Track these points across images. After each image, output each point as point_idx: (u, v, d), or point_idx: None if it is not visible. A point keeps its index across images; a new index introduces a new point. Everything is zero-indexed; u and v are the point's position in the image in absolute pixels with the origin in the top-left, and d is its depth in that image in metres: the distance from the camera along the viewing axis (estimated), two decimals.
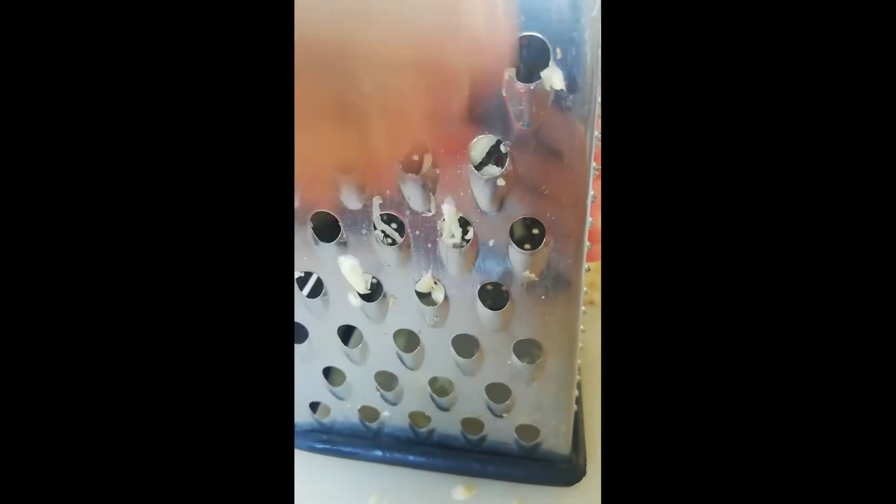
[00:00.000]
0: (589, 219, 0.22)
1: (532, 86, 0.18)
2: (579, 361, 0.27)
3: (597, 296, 0.42)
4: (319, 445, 0.33)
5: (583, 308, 0.25)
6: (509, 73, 0.18)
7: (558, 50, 0.17)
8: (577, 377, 0.28)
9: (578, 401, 0.32)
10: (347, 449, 0.33)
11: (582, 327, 0.26)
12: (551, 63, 0.18)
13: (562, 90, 0.18)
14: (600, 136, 0.19)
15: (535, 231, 0.30)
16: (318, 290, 0.27)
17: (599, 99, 0.19)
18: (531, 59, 0.19)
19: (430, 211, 0.22)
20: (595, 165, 0.21)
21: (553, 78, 0.18)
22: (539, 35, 0.17)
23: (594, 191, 0.22)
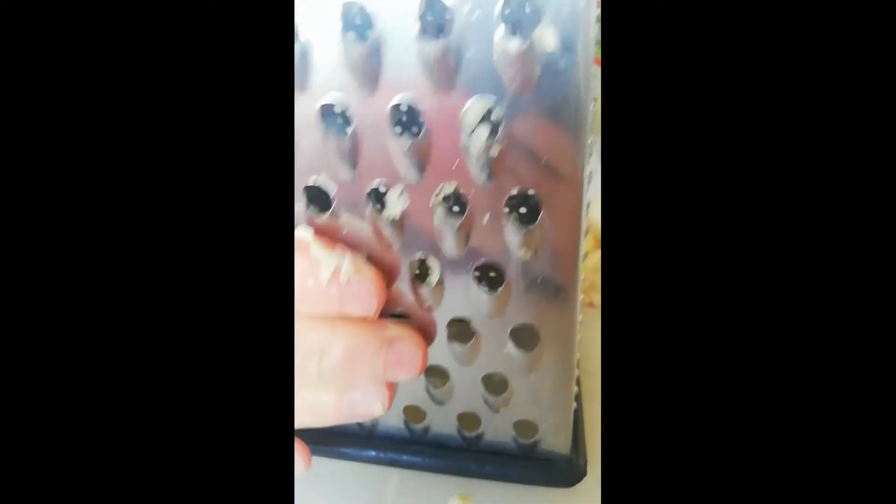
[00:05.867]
0: (587, 198, 0.22)
1: (524, 46, 0.18)
2: (578, 355, 0.27)
3: (597, 297, 0.41)
4: (310, 446, 0.32)
5: (580, 296, 0.24)
6: (500, 31, 0.18)
7: (550, 6, 0.17)
8: (577, 372, 0.27)
9: (578, 398, 0.31)
10: (340, 449, 0.32)
11: (580, 317, 0.25)
12: (543, 20, 0.17)
13: (554, 51, 0.18)
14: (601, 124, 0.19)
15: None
16: None
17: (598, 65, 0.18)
18: (525, 15, 0.19)
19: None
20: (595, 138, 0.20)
21: (545, 37, 0.18)
22: None
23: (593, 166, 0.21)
